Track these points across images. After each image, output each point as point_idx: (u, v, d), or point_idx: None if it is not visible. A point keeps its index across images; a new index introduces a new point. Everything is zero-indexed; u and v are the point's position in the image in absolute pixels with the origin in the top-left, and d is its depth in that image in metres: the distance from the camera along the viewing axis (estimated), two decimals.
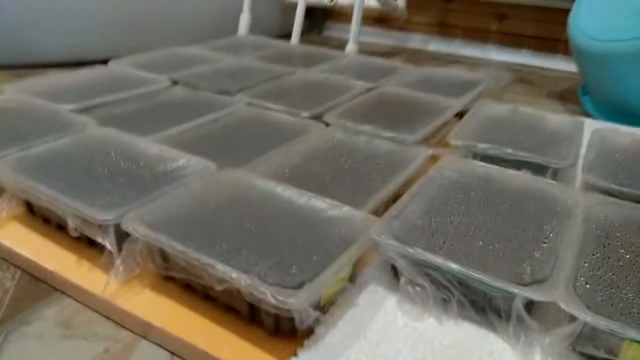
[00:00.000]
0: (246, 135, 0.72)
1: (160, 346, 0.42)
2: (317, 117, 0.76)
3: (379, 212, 0.52)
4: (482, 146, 0.63)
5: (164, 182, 0.54)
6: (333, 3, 1.43)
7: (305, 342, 0.40)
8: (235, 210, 0.50)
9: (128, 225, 0.44)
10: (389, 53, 1.58)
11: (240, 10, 1.39)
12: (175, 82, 0.88)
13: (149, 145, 0.61)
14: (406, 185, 0.58)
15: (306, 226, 0.48)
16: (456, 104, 0.81)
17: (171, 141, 0.65)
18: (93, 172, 0.56)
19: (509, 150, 0.62)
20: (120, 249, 0.46)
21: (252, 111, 0.78)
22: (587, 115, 1.05)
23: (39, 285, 0.49)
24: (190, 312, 0.43)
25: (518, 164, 0.62)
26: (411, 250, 0.42)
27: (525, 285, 0.40)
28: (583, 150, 0.67)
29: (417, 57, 1.56)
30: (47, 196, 0.49)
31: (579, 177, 0.65)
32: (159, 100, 0.82)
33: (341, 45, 1.45)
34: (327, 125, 0.73)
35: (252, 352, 0.40)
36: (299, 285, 0.39)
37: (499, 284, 0.39)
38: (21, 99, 0.75)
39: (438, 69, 1.06)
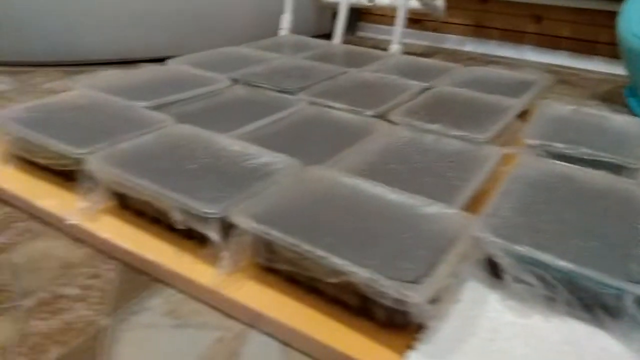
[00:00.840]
0: (314, 133, 0.73)
1: (271, 336, 0.44)
2: (381, 116, 0.77)
3: (465, 209, 0.53)
4: (558, 146, 0.64)
5: (254, 178, 0.55)
6: (373, 4, 1.44)
7: (421, 336, 0.40)
8: (330, 205, 0.51)
9: (238, 219, 0.45)
10: (425, 53, 1.58)
11: (277, 11, 1.41)
12: (235, 81, 0.89)
13: (229, 142, 0.63)
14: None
15: (402, 222, 0.49)
16: (518, 104, 0.82)
17: (246, 138, 0.66)
18: (183, 167, 0.57)
19: (587, 150, 0.63)
20: (224, 241, 0.47)
21: (316, 110, 0.79)
22: (635, 116, 1.05)
23: (139, 277, 0.51)
24: (297, 303, 0.44)
25: (592, 164, 0.62)
26: (521, 249, 0.43)
27: (637, 282, 0.40)
28: None
29: (453, 57, 1.56)
30: (151, 190, 0.50)
31: None
32: (223, 99, 0.83)
33: (376, 45, 1.45)
34: (392, 123, 0.74)
35: (367, 343, 0.41)
36: (416, 280, 0.40)
37: (612, 281, 0.40)
38: (93, 95, 0.76)
39: (488, 69, 1.06)
